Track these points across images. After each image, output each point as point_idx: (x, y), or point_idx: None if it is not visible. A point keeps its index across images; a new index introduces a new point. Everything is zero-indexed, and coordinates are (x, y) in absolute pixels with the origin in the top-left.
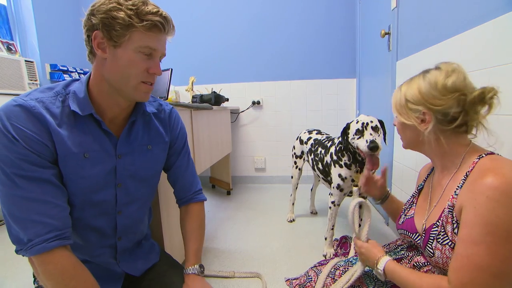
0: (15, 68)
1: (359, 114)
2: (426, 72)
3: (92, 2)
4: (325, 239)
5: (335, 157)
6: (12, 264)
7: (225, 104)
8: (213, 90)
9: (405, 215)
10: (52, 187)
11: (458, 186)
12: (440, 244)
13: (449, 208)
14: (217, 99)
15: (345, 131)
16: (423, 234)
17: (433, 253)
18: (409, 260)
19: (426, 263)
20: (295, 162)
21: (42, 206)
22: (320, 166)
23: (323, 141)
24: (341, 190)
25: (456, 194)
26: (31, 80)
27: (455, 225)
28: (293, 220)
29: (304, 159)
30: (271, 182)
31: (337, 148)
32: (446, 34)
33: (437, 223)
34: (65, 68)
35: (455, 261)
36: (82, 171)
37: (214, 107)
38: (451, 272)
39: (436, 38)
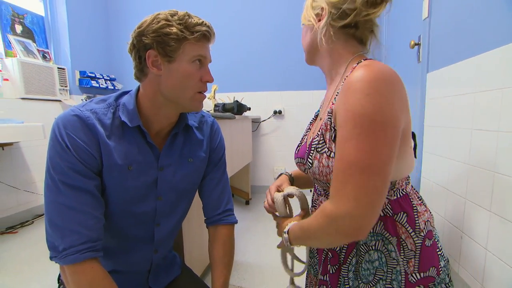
0: (48, 74)
1: None
2: None
3: (137, 25)
4: None
5: None
6: (37, 265)
7: (246, 113)
8: (235, 99)
9: (300, 144)
10: (92, 198)
11: (337, 93)
12: (319, 153)
13: (328, 115)
14: (239, 108)
15: None
16: (307, 149)
17: (312, 163)
18: (316, 205)
19: (318, 195)
20: None
21: (81, 216)
22: None
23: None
24: None
25: (335, 100)
26: (62, 86)
27: (332, 131)
28: None
29: None
30: None
31: None
32: (484, 47)
33: (318, 132)
34: (93, 75)
35: (333, 171)
36: (126, 183)
37: (236, 116)
38: (330, 186)
39: (473, 50)
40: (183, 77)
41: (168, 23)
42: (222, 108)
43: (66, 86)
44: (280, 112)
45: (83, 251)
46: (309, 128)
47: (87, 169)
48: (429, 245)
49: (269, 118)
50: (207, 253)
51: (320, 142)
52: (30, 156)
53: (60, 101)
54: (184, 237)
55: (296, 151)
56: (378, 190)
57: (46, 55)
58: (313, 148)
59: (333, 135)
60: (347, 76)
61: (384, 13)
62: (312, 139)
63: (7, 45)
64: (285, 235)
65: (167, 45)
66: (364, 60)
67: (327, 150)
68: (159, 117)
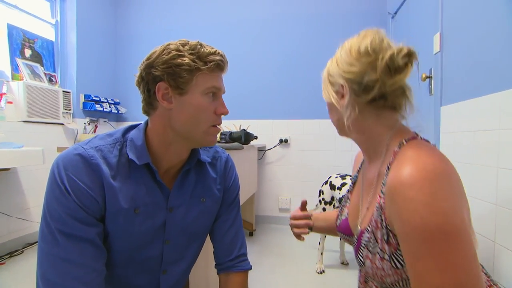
0: (53, 97)
1: None
2: (346, 40)
3: (146, 57)
4: None
5: None
6: None
7: (252, 142)
8: (242, 128)
9: (341, 214)
10: (93, 249)
11: (382, 183)
12: (371, 253)
13: (377, 211)
14: (247, 138)
15: None
16: (356, 240)
17: (363, 262)
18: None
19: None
20: (324, 209)
21: (79, 270)
22: None
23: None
24: None
25: (383, 193)
26: (66, 109)
27: (384, 231)
28: (323, 271)
29: (334, 206)
30: None
31: None
32: (509, 83)
33: (368, 228)
34: (98, 99)
35: None
36: (131, 228)
37: (244, 146)
38: None
39: (495, 86)
40: (196, 110)
41: (180, 53)
42: (229, 137)
43: (69, 110)
44: (286, 140)
45: None
46: (348, 198)
47: (88, 215)
48: None
49: (274, 146)
50: None
51: (371, 240)
52: (26, 181)
53: (62, 124)
54: (190, 281)
55: (337, 223)
56: None
57: (52, 78)
58: (363, 245)
59: (385, 236)
60: (389, 164)
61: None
62: (361, 232)
63: (15, 68)
64: None
65: (179, 76)
66: (405, 141)
67: (379, 251)
68: (169, 154)
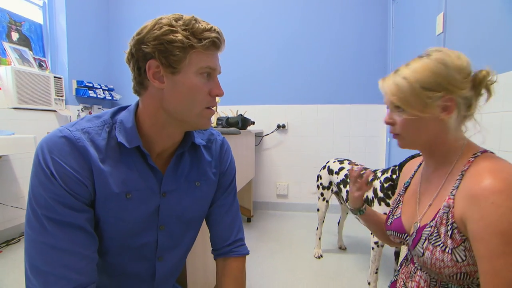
0: (44, 83)
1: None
2: (426, 55)
3: (136, 31)
4: (369, 283)
5: (381, 194)
6: None
7: (249, 128)
8: (239, 113)
9: (393, 215)
10: (84, 235)
11: (453, 186)
12: (432, 245)
13: (444, 209)
14: (244, 123)
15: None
16: (414, 233)
17: (423, 253)
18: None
19: (416, 268)
20: (322, 194)
21: (69, 257)
22: None
23: (361, 173)
24: None
25: (452, 195)
26: (58, 96)
27: (449, 227)
28: (321, 256)
29: (332, 190)
30: (293, 210)
31: (387, 185)
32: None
33: (431, 223)
34: (91, 85)
35: (484, 283)
36: (123, 214)
37: (241, 131)
38: None
39: (499, 67)
40: (189, 91)
41: (172, 28)
42: (226, 122)
43: (62, 96)
44: (283, 126)
45: None
46: (400, 201)
47: (77, 201)
48: None
49: (272, 132)
50: (212, 282)
51: (434, 233)
52: (20, 169)
53: (55, 111)
54: (187, 266)
55: (388, 223)
56: None
57: (42, 63)
58: (424, 237)
59: (450, 232)
60: (464, 171)
61: (391, 27)
62: (423, 226)
63: (2, 52)
64: None
65: (171, 54)
66: (480, 153)
67: (442, 244)
68: (161, 137)
